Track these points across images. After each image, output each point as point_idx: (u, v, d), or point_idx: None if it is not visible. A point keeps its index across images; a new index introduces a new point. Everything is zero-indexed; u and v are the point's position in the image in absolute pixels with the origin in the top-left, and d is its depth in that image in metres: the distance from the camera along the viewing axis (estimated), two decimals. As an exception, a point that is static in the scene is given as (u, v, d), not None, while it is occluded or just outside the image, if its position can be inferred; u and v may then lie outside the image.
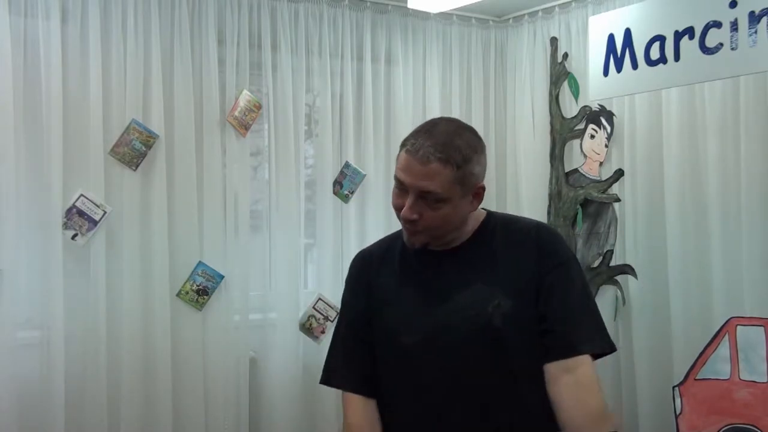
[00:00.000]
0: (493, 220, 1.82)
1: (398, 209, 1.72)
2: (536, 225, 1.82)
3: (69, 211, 3.17)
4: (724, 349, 2.98)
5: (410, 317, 1.76)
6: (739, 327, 2.97)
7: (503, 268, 1.72)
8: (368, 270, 1.88)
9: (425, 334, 1.73)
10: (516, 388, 1.70)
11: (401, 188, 1.70)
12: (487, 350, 1.69)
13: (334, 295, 3.74)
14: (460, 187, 1.67)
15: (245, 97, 3.52)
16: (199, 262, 3.43)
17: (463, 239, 1.78)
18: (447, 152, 1.65)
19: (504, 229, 1.79)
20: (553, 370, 1.66)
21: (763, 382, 2.88)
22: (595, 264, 3.73)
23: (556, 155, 3.93)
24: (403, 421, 1.78)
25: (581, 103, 3.84)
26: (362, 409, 1.81)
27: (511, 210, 4.12)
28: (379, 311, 1.82)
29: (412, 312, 1.77)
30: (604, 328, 1.74)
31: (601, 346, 1.72)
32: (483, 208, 1.83)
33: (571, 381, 1.64)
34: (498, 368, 1.69)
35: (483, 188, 1.74)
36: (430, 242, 1.75)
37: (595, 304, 1.76)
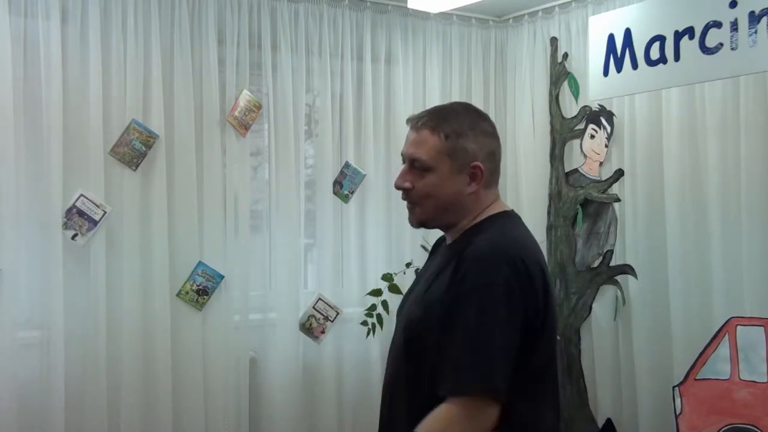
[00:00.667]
0: (482, 225, 1.75)
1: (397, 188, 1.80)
2: (474, 248, 1.66)
3: (69, 211, 3.17)
4: (724, 349, 2.98)
5: (399, 308, 1.91)
6: (739, 327, 2.97)
7: (439, 278, 1.71)
8: (432, 251, 1.99)
9: (395, 326, 1.86)
10: (413, 397, 1.68)
11: (403, 164, 1.79)
12: (401, 353, 1.74)
13: (334, 295, 3.75)
14: (449, 160, 1.70)
15: (245, 97, 3.52)
16: (199, 262, 3.43)
17: (458, 237, 1.79)
18: (437, 121, 1.72)
19: (471, 238, 1.71)
20: None
21: (763, 382, 2.88)
22: (595, 264, 3.73)
23: (556, 155, 3.93)
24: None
25: (581, 103, 3.84)
26: None
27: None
28: None
29: (401, 304, 1.91)
30: (477, 366, 1.55)
31: (456, 388, 1.55)
32: (505, 210, 1.80)
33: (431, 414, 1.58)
34: (404, 373, 1.72)
35: (480, 169, 1.72)
36: (428, 221, 1.78)
37: (484, 339, 1.57)
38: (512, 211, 1.83)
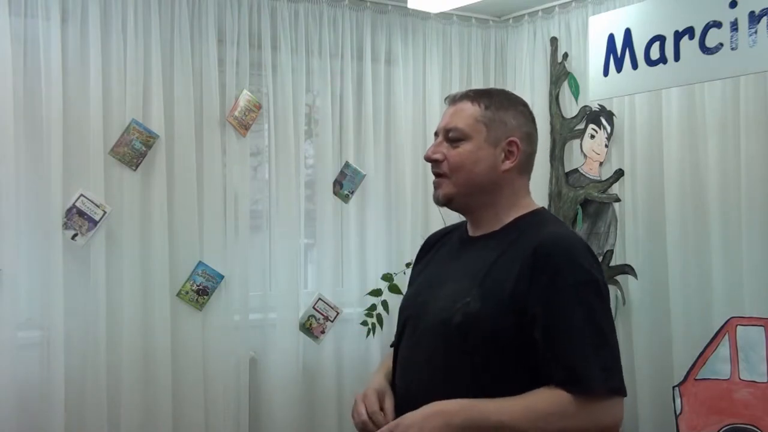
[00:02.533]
0: (531, 218, 1.70)
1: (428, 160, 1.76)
2: (545, 240, 1.61)
3: (69, 211, 3.17)
4: (724, 349, 2.98)
5: (410, 298, 1.81)
6: (739, 327, 2.96)
7: (495, 271, 1.62)
8: (426, 251, 1.92)
9: (411, 315, 1.77)
10: (457, 387, 1.60)
11: (435, 141, 1.75)
12: (440, 344, 1.64)
13: (334, 295, 3.75)
14: (486, 129, 1.67)
15: (245, 97, 3.52)
16: (199, 262, 3.43)
17: (496, 228, 1.70)
18: (479, 94, 1.72)
19: (527, 232, 1.65)
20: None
21: (763, 382, 2.87)
22: (595, 264, 3.73)
23: (556, 155, 3.93)
24: (394, 391, 1.76)
25: (581, 103, 3.84)
26: None
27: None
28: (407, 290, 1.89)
29: (413, 293, 1.81)
30: (611, 368, 1.54)
31: (587, 385, 1.52)
32: (544, 207, 1.79)
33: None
34: (448, 364, 1.63)
35: (516, 145, 1.68)
36: (456, 197, 1.70)
37: (604, 338, 1.56)
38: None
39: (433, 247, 1.89)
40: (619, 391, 1.55)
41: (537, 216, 1.71)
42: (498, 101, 1.71)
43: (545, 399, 1.53)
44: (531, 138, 1.73)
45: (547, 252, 1.58)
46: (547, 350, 1.55)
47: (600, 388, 1.52)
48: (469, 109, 1.69)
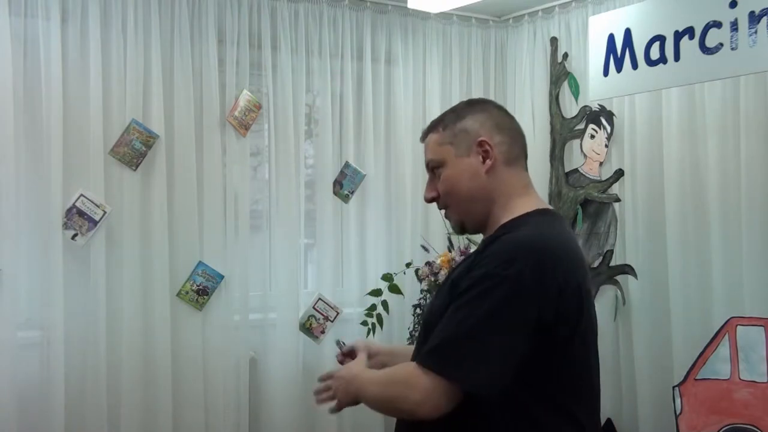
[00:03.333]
0: (520, 221, 1.63)
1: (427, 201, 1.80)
2: (499, 238, 1.58)
3: (69, 211, 3.17)
4: (724, 349, 2.98)
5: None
6: (739, 327, 2.97)
7: (458, 270, 1.65)
8: None
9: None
10: None
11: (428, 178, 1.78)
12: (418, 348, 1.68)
13: (334, 295, 3.75)
14: (453, 147, 1.67)
15: (245, 97, 3.52)
16: (199, 262, 3.43)
17: (490, 233, 1.67)
18: (436, 122, 1.73)
19: (504, 232, 1.61)
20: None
21: (763, 382, 2.87)
22: (595, 264, 3.73)
23: (556, 155, 3.93)
24: None
25: (581, 103, 3.84)
26: None
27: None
28: None
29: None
30: (443, 349, 1.50)
31: (429, 359, 1.51)
32: (546, 208, 1.70)
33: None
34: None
35: (486, 143, 1.65)
36: (464, 222, 1.71)
37: (478, 331, 1.48)
38: (553, 210, 1.73)
39: None
40: (433, 368, 1.49)
41: (521, 221, 1.62)
42: (452, 116, 1.71)
43: (403, 368, 1.60)
44: (501, 127, 1.69)
45: (490, 247, 1.57)
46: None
47: (422, 360, 1.53)
48: (433, 138, 1.71)
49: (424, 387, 1.50)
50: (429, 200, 1.75)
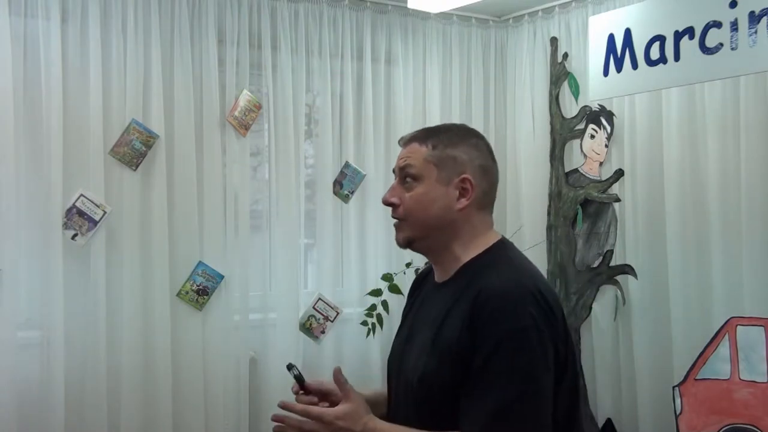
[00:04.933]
0: (484, 257, 1.65)
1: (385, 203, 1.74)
2: (483, 288, 1.56)
3: (69, 211, 3.17)
4: (724, 349, 2.98)
5: (393, 352, 1.82)
6: (739, 327, 2.97)
7: (448, 320, 1.59)
8: (414, 289, 1.90)
9: (390, 373, 1.80)
10: None
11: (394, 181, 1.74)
12: (410, 404, 1.65)
13: (334, 296, 3.75)
14: (436, 169, 1.64)
15: (245, 97, 3.52)
16: (199, 262, 3.43)
17: (455, 269, 1.66)
18: (426, 134, 1.69)
19: (477, 275, 1.60)
20: None
21: (763, 382, 2.88)
22: (595, 264, 3.73)
23: (556, 155, 3.93)
24: None
25: (581, 103, 3.84)
26: None
27: (511, 210, 4.12)
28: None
29: (395, 347, 1.81)
30: (500, 412, 1.47)
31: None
32: (500, 239, 1.70)
33: None
34: (422, 421, 1.60)
35: (469, 182, 1.63)
36: (415, 240, 1.68)
37: (527, 388, 1.49)
38: (503, 237, 1.72)
39: (420, 285, 1.86)
40: None
41: (490, 255, 1.64)
42: (446, 138, 1.67)
43: None
44: (486, 171, 1.67)
45: (484, 301, 1.53)
46: (458, 401, 1.54)
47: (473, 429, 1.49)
48: (419, 149, 1.66)
49: None
50: (388, 204, 1.70)
